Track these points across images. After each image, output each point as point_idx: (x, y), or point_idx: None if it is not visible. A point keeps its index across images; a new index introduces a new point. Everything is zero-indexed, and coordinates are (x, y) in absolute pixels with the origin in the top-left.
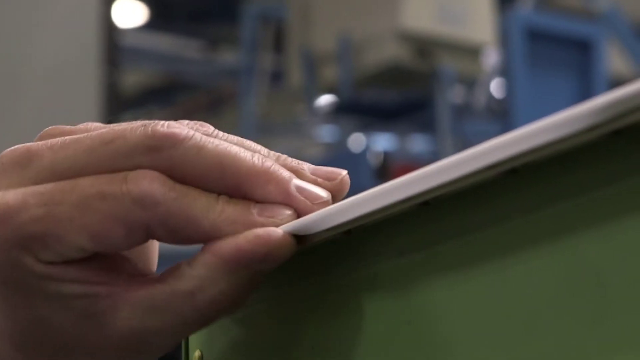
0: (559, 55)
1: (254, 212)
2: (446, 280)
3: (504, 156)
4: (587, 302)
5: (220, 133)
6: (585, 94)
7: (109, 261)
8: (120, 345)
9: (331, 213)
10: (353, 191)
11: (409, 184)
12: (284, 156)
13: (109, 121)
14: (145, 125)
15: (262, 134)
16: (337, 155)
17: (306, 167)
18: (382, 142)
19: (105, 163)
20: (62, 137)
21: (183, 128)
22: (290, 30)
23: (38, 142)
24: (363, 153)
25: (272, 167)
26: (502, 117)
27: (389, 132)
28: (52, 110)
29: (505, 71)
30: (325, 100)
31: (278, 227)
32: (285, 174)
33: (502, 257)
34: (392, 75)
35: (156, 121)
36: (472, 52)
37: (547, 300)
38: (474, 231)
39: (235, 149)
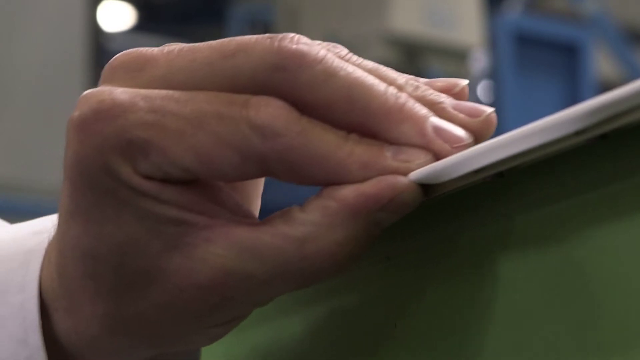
0: (546, 58)
1: (388, 155)
2: (435, 280)
3: (491, 160)
4: (574, 305)
5: (354, 57)
6: (573, 97)
7: (212, 193)
8: (206, 284)
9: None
10: None
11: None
12: (424, 86)
13: None
14: (271, 38)
15: None
16: None
17: (448, 101)
18: None
19: (225, 78)
20: (180, 45)
21: (314, 47)
22: (278, 32)
23: (153, 48)
24: None
25: (406, 104)
26: None
27: None
28: (37, 113)
29: (492, 74)
30: None
31: (405, 175)
32: (422, 111)
33: (490, 260)
34: None
35: (285, 34)
36: (460, 55)
37: (534, 303)
38: (461, 233)
39: (369, 79)
